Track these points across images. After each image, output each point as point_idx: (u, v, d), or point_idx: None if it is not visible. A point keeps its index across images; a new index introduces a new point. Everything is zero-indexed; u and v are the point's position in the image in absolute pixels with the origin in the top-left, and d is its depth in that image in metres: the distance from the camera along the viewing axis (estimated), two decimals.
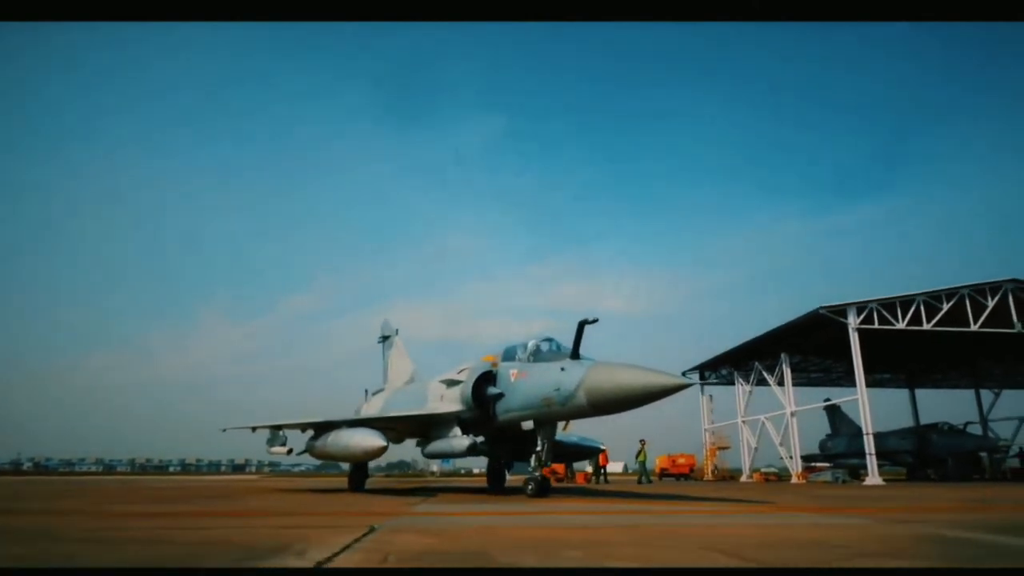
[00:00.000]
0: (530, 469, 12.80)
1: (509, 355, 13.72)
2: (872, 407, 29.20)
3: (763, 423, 37.77)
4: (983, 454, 39.56)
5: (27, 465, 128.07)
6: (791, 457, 35.39)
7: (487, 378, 13.72)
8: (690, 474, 46.28)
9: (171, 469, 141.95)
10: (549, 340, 13.10)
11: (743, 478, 40.32)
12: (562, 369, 11.69)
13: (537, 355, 12.99)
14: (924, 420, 42.12)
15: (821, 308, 29.79)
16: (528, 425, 12.82)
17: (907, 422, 43.13)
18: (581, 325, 11.87)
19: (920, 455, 36.44)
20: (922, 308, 30.38)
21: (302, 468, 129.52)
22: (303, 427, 16.52)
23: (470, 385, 13.72)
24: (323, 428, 15.68)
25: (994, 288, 31.16)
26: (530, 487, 12.31)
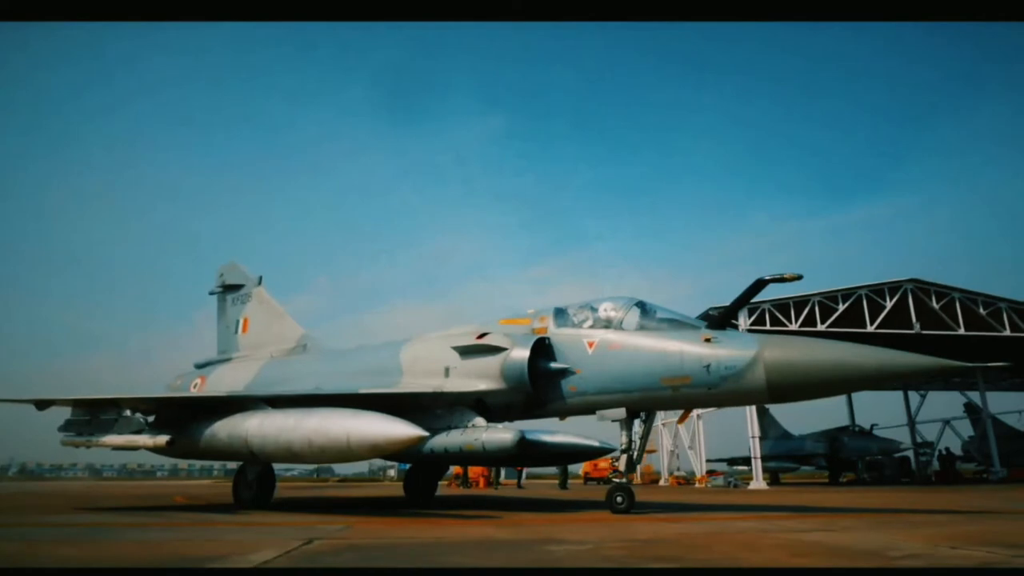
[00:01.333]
0: (611, 476, 10.17)
1: (562, 321, 10.79)
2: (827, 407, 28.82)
3: (677, 427, 37.43)
4: (910, 456, 39.22)
5: (14, 471, 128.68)
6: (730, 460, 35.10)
7: (537, 348, 10.49)
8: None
9: (159, 475, 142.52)
10: (641, 303, 10.35)
11: (661, 481, 39.99)
12: (707, 340, 9.21)
13: (635, 321, 10.13)
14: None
15: (711, 309, 29.34)
16: (614, 414, 10.02)
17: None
18: (761, 284, 9.37)
19: (832, 458, 36.01)
20: (816, 309, 29.97)
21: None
22: (161, 405, 11.78)
23: (526, 354, 10.28)
24: (206, 410, 11.05)
25: (893, 288, 30.72)
26: (618, 499, 9.54)
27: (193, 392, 15.58)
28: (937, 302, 30.76)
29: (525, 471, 46.03)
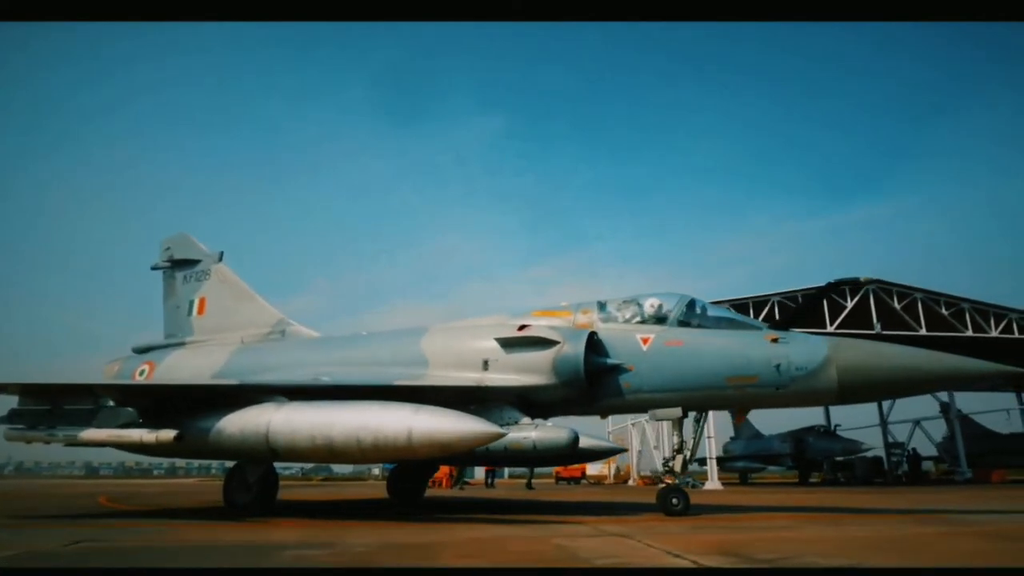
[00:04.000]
0: (660, 474, 9.85)
1: (606, 315, 10.52)
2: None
3: (644, 426, 37.38)
4: (882, 457, 39.10)
5: (10, 469, 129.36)
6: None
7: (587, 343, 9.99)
8: (582, 478, 45.69)
9: (156, 473, 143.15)
10: (692, 300, 10.19)
11: (630, 481, 39.98)
12: (774, 340, 9.11)
13: (689, 318, 9.94)
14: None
15: None
16: (669, 413, 9.82)
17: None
18: (832, 286, 9.46)
19: (798, 458, 35.98)
20: (776, 308, 29.83)
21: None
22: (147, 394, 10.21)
23: (581, 349, 9.70)
24: (194, 401, 9.85)
25: (855, 288, 30.53)
26: (674, 500, 9.28)
27: (144, 380, 13.90)
28: (899, 302, 30.55)
29: (506, 471, 46.13)
